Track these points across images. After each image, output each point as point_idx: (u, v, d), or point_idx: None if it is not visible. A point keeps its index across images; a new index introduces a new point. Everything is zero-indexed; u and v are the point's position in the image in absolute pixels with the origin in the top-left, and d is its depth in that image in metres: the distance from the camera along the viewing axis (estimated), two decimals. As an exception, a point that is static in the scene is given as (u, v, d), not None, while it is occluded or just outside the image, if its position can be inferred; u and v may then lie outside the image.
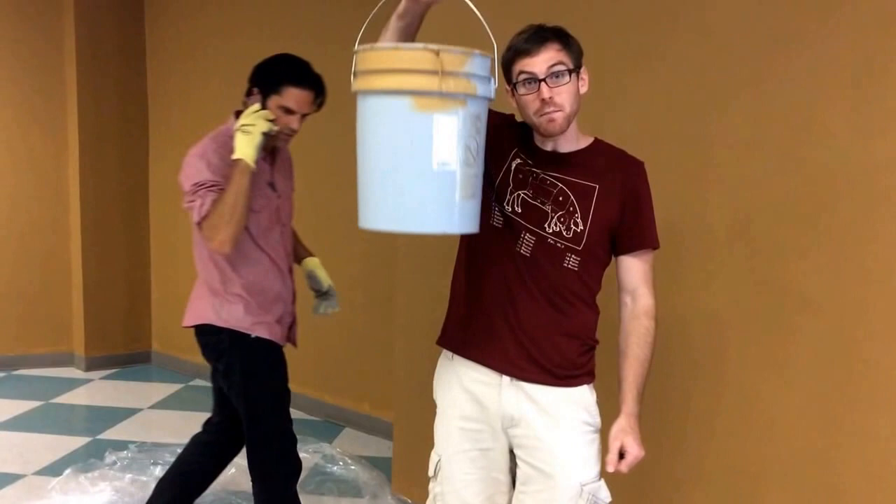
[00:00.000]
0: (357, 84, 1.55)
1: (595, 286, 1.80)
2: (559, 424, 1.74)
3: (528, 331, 1.73)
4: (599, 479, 1.75)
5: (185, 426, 3.95)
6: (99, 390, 4.69)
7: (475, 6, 1.57)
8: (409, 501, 3.12)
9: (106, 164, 4.97)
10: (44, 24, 4.85)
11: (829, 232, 2.09)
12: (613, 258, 1.82)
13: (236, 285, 2.31)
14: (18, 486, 3.23)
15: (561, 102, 1.67)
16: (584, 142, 1.79)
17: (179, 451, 3.42)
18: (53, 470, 3.37)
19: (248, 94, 2.28)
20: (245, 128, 2.15)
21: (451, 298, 1.89)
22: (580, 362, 1.77)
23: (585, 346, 1.79)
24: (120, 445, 3.60)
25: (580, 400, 1.77)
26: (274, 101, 2.21)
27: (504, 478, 1.83)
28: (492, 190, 1.78)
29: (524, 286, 1.73)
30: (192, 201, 2.18)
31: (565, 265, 1.73)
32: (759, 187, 2.20)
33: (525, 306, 1.74)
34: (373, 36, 1.62)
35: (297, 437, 2.46)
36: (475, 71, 1.50)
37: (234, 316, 2.31)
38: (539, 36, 1.67)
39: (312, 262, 2.64)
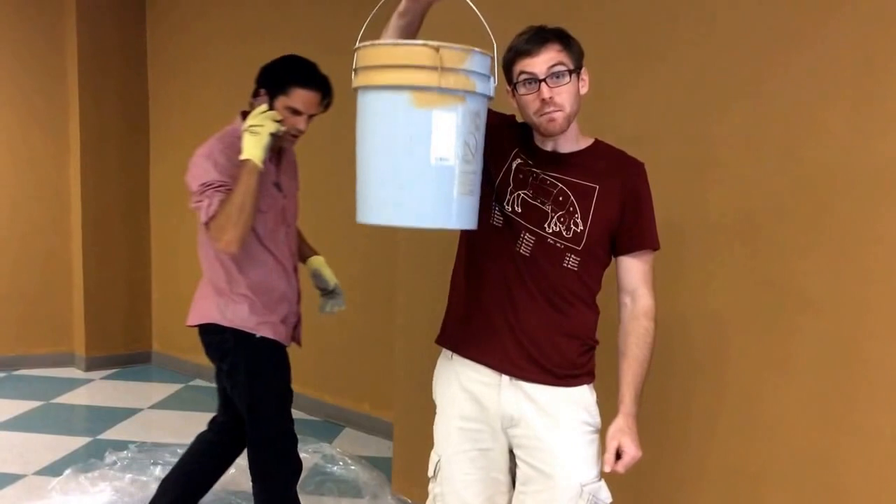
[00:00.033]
0: (357, 80, 1.56)
1: (595, 286, 1.80)
2: (559, 424, 1.73)
3: (528, 330, 1.74)
4: (600, 479, 1.75)
5: (185, 426, 3.96)
6: (99, 390, 4.70)
7: (476, 6, 1.57)
8: (410, 501, 3.12)
9: (107, 165, 4.98)
10: (45, 26, 4.86)
11: (829, 232, 2.09)
12: (613, 259, 1.82)
13: (242, 285, 2.31)
14: (19, 486, 3.23)
15: (561, 102, 1.67)
16: (585, 142, 1.80)
17: (180, 451, 3.43)
18: (53, 470, 3.37)
19: (255, 94, 2.28)
20: (253, 128, 2.15)
21: (451, 296, 1.89)
22: (580, 362, 1.77)
23: (585, 346, 1.79)
24: (120, 445, 3.61)
25: (580, 400, 1.77)
26: (281, 101, 2.21)
27: (504, 478, 1.82)
28: (492, 190, 1.78)
29: (524, 286, 1.73)
30: (200, 201, 2.18)
31: (565, 265, 1.73)
32: (759, 187, 2.20)
33: (524, 306, 1.74)
34: (373, 36, 1.62)
35: (297, 437, 2.46)
36: (475, 68, 1.51)
37: (239, 316, 2.31)
38: (540, 37, 1.68)
39: (317, 261, 2.65)
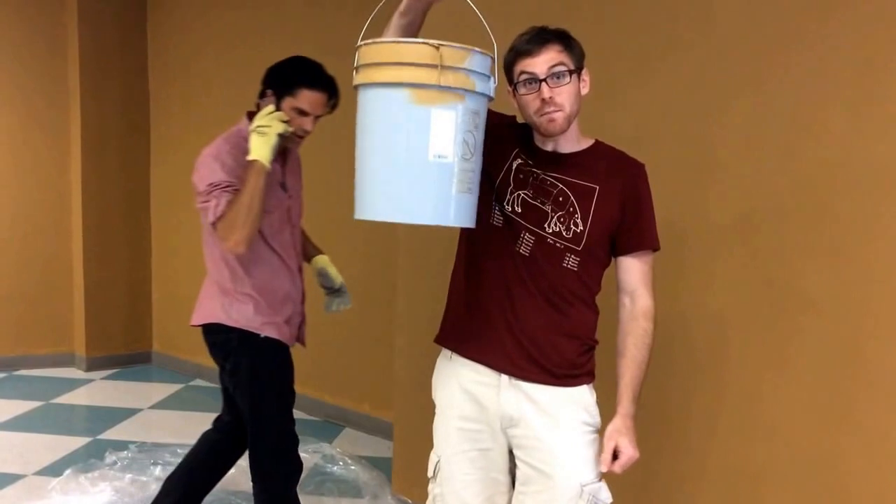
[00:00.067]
0: (358, 78, 1.57)
1: (595, 286, 1.80)
2: (559, 424, 1.73)
3: (527, 330, 1.74)
4: (600, 479, 1.74)
5: (185, 426, 3.96)
6: (99, 390, 4.70)
7: (476, 7, 1.58)
8: (410, 502, 3.12)
9: (108, 167, 4.99)
10: (47, 28, 4.87)
11: (830, 232, 2.09)
12: (613, 259, 1.82)
13: (247, 285, 2.31)
14: (19, 487, 3.23)
15: (561, 102, 1.67)
16: (585, 143, 1.80)
17: (180, 451, 3.45)
18: (54, 470, 3.37)
19: (262, 95, 2.28)
20: (260, 129, 2.15)
21: (450, 296, 1.89)
22: (579, 362, 1.77)
23: (585, 346, 1.78)
24: (120, 445, 3.61)
25: (580, 400, 1.77)
26: (288, 102, 2.22)
27: (503, 478, 1.82)
28: (492, 189, 1.78)
29: (523, 286, 1.73)
30: (207, 202, 2.18)
31: (564, 265, 1.73)
32: (760, 187, 2.20)
33: (524, 306, 1.74)
34: (374, 36, 1.63)
35: (298, 437, 2.46)
36: (475, 67, 1.52)
37: (244, 316, 2.31)
38: (540, 37, 1.68)
39: (322, 260, 2.65)
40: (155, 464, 3.35)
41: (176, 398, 4.58)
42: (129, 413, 4.23)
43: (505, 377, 1.75)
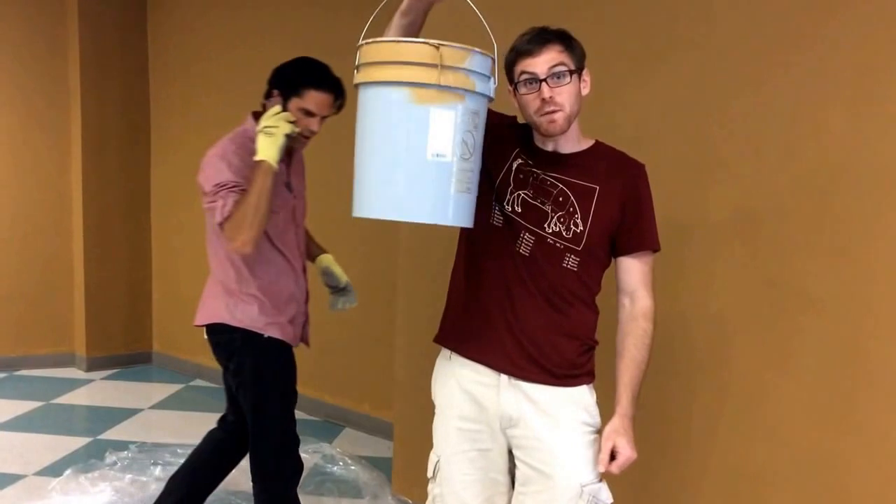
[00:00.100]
0: (358, 76, 1.58)
1: (595, 287, 1.80)
2: (559, 425, 1.73)
3: (527, 330, 1.74)
4: (600, 480, 1.74)
5: (185, 426, 3.96)
6: (100, 390, 4.70)
7: (477, 7, 1.58)
8: (410, 502, 3.12)
9: (108, 167, 4.99)
10: (47, 29, 4.87)
11: (830, 231, 2.09)
12: (613, 259, 1.82)
13: (252, 285, 2.31)
14: (19, 487, 3.23)
15: (561, 102, 1.67)
16: (586, 143, 1.80)
17: (180, 451, 3.45)
18: (54, 470, 3.37)
19: (268, 95, 2.29)
20: (268, 129, 2.15)
21: (450, 295, 1.89)
22: (579, 362, 1.77)
23: (585, 347, 1.78)
24: (120, 446, 3.61)
25: (579, 400, 1.77)
26: (294, 103, 2.22)
27: (503, 478, 1.82)
28: (492, 189, 1.78)
29: (523, 286, 1.73)
30: (213, 202, 2.18)
31: (564, 265, 1.73)
32: (760, 186, 2.20)
33: (524, 305, 1.74)
34: (375, 36, 1.63)
35: (299, 437, 2.46)
36: (475, 68, 1.52)
37: (248, 316, 2.31)
38: (541, 37, 1.68)
39: (327, 259, 2.65)
40: (155, 464, 3.35)
41: (176, 398, 4.58)
42: (129, 413, 4.23)
43: (504, 377, 1.75)
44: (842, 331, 2.08)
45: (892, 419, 2.02)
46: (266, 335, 2.33)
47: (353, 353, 4.13)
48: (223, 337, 2.36)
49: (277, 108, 2.20)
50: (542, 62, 1.66)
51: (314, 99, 2.21)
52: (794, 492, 2.18)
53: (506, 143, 1.80)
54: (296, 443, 2.44)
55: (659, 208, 1.81)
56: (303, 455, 2.50)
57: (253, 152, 2.16)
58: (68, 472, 3.28)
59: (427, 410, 1.91)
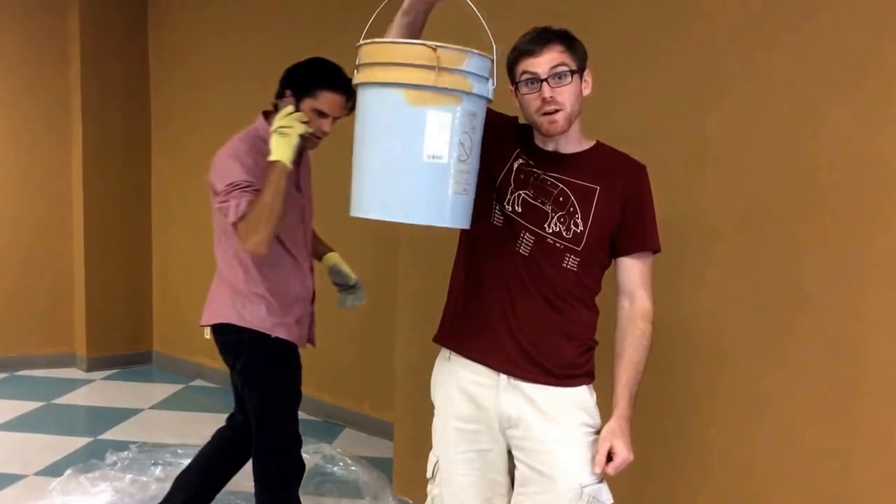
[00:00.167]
0: (357, 77, 1.59)
1: (594, 287, 1.80)
2: (559, 425, 1.73)
3: (526, 330, 1.74)
4: (601, 480, 1.74)
5: (185, 426, 3.96)
6: (100, 391, 4.70)
7: (477, 7, 1.58)
8: (411, 502, 3.12)
9: (109, 167, 5.00)
10: (49, 29, 4.86)
11: (832, 229, 2.09)
12: (613, 260, 1.82)
13: (260, 286, 2.31)
14: (19, 487, 3.23)
15: (562, 102, 1.67)
16: (587, 144, 1.80)
17: (180, 451, 3.45)
18: (54, 470, 3.37)
19: (280, 95, 2.29)
20: (282, 130, 2.15)
21: (450, 295, 1.89)
22: (579, 363, 1.77)
23: (584, 347, 1.78)
24: (121, 446, 3.61)
25: (579, 400, 1.76)
26: (307, 103, 2.22)
27: (503, 479, 1.82)
28: (493, 189, 1.78)
29: (523, 286, 1.73)
30: (226, 202, 2.18)
31: (564, 265, 1.73)
32: (759, 185, 2.20)
33: (523, 305, 1.74)
34: (376, 34, 1.63)
35: (302, 438, 2.46)
36: (472, 69, 1.53)
37: (256, 316, 2.32)
38: (543, 37, 1.69)
39: (334, 258, 2.66)
40: (155, 464, 3.35)
41: (176, 398, 4.58)
42: (129, 413, 4.23)
43: (504, 377, 1.75)
44: (842, 330, 2.08)
45: (893, 418, 2.02)
46: (273, 335, 2.33)
47: (353, 353, 4.13)
48: (230, 337, 2.37)
49: (290, 108, 2.20)
50: (544, 62, 1.66)
51: (327, 100, 2.21)
52: (794, 491, 2.18)
53: (507, 144, 1.80)
54: (298, 444, 2.44)
55: (658, 207, 1.81)
56: (303, 455, 2.50)
57: (264, 152, 2.17)
58: (69, 472, 3.28)
59: (428, 411, 1.91)
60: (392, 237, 3.35)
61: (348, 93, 2.25)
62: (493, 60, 1.58)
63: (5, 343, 4.92)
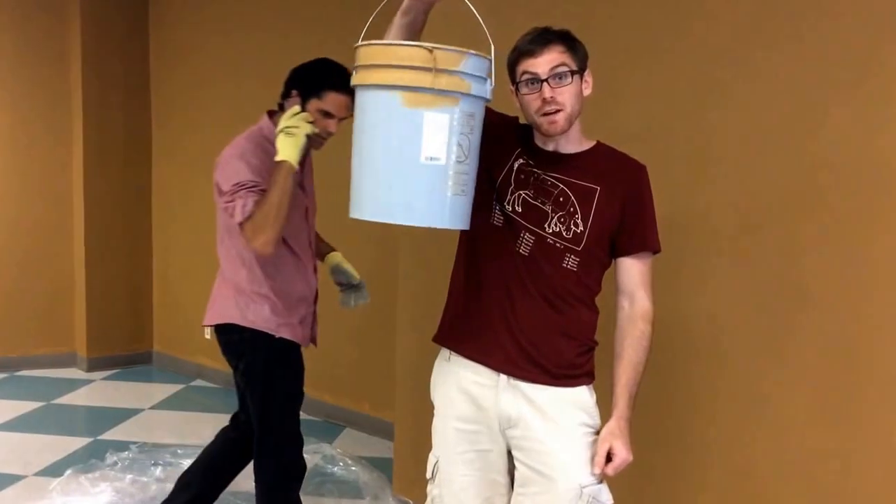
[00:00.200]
0: (355, 78, 1.59)
1: (595, 287, 1.80)
2: (558, 425, 1.73)
3: (526, 330, 1.73)
4: (601, 481, 1.74)
5: (186, 427, 3.96)
6: (100, 391, 4.70)
7: (476, 7, 1.58)
8: (411, 502, 3.12)
9: (109, 166, 5.00)
10: (49, 30, 4.86)
11: (831, 227, 2.09)
12: (613, 260, 1.81)
13: (264, 286, 2.31)
14: (19, 487, 3.23)
15: (562, 102, 1.67)
16: (587, 144, 1.80)
17: (180, 451, 3.45)
18: (54, 470, 3.37)
19: (286, 95, 2.29)
20: (289, 130, 2.15)
21: (450, 294, 1.89)
22: (578, 363, 1.77)
23: (584, 347, 1.78)
24: (121, 446, 3.61)
25: (579, 401, 1.76)
26: (314, 104, 2.22)
27: (503, 479, 1.82)
28: (493, 189, 1.78)
29: (523, 286, 1.73)
30: (232, 201, 2.17)
31: (564, 265, 1.73)
32: (760, 184, 2.20)
33: (523, 305, 1.73)
34: (376, 34, 1.63)
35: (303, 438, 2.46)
36: (470, 70, 1.52)
37: (260, 316, 2.31)
38: (543, 38, 1.69)
39: (337, 257, 2.66)
40: (156, 464, 3.35)
41: (176, 398, 4.58)
42: (129, 413, 4.23)
43: (504, 377, 1.75)
44: (842, 329, 2.08)
45: (894, 418, 2.02)
46: (277, 336, 2.33)
47: (353, 353, 4.13)
48: (233, 337, 2.37)
49: (296, 108, 2.20)
50: (544, 62, 1.66)
51: (333, 101, 2.22)
52: (794, 492, 2.18)
53: (507, 144, 1.80)
54: (299, 444, 2.44)
55: (659, 206, 1.81)
56: (303, 455, 2.50)
57: (269, 152, 2.17)
58: (69, 472, 3.28)
59: (428, 411, 1.91)
60: (392, 237, 3.35)
61: (354, 94, 2.25)
62: (491, 60, 1.58)
63: (5, 343, 4.92)
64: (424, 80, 1.48)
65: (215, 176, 2.24)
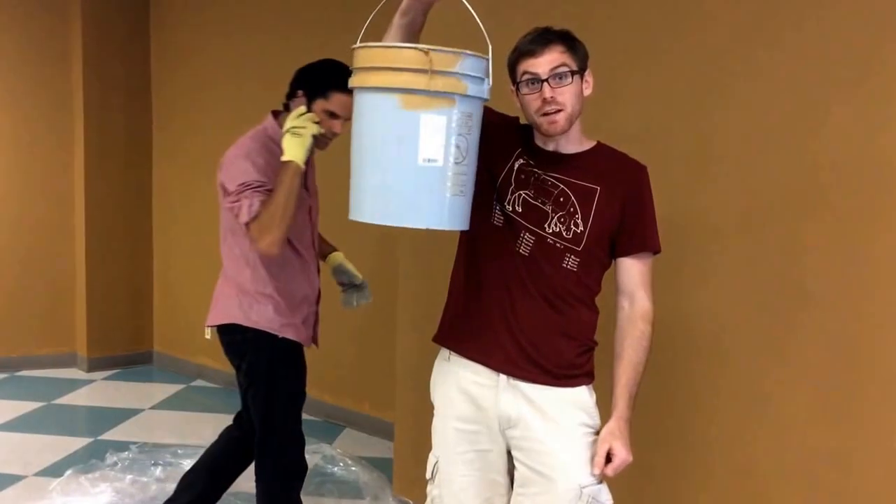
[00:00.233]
0: (352, 81, 1.59)
1: (594, 287, 1.80)
2: (558, 426, 1.73)
3: (526, 330, 1.73)
4: (601, 481, 1.74)
5: (186, 427, 3.96)
6: (100, 391, 4.70)
7: (474, 8, 1.58)
8: (411, 503, 3.12)
9: (110, 167, 5.00)
10: (51, 30, 4.87)
11: (832, 226, 2.08)
12: (613, 260, 1.81)
13: (268, 286, 2.31)
14: (19, 487, 3.23)
15: (563, 102, 1.67)
16: (587, 144, 1.80)
17: (181, 451, 3.45)
18: (54, 471, 3.37)
19: (291, 96, 2.29)
20: (295, 130, 2.15)
21: (450, 294, 1.89)
22: (578, 363, 1.77)
23: (584, 347, 1.78)
24: (121, 446, 3.60)
25: (578, 401, 1.76)
26: (319, 105, 2.22)
27: (503, 479, 1.82)
28: (493, 189, 1.78)
29: (523, 286, 1.73)
30: (237, 201, 2.18)
31: (564, 265, 1.73)
32: (760, 183, 2.20)
33: (523, 305, 1.73)
34: (375, 35, 1.63)
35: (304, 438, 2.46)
36: (466, 71, 1.52)
37: (264, 317, 2.31)
38: (544, 38, 1.69)
39: (339, 257, 2.66)
40: (156, 464, 3.35)
41: (177, 399, 4.57)
42: (130, 413, 4.23)
43: (503, 377, 1.75)
44: (843, 328, 2.08)
45: (895, 417, 2.01)
46: (281, 336, 2.33)
47: (353, 353, 4.13)
48: (236, 337, 2.37)
49: (302, 108, 2.20)
50: (544, 62, 1.66)
51: (339, 101, 2.21)
52: (795, 490, 2.18)
53: (508, 144, 1.80)
54: (300, 444, 2.44)
55: (660, 206, 1.81)
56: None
57: (274, 152, 2.17)
58: (69, 472, 3.28)
59: (428, 411, 1.91)
60: (392, 237, 3.35)
61: None
62: (488, 60, 1.58)
63: (6, 343, 4.92)
64: (420, 82, 1.48)
65: (219, 176, 2.24)
